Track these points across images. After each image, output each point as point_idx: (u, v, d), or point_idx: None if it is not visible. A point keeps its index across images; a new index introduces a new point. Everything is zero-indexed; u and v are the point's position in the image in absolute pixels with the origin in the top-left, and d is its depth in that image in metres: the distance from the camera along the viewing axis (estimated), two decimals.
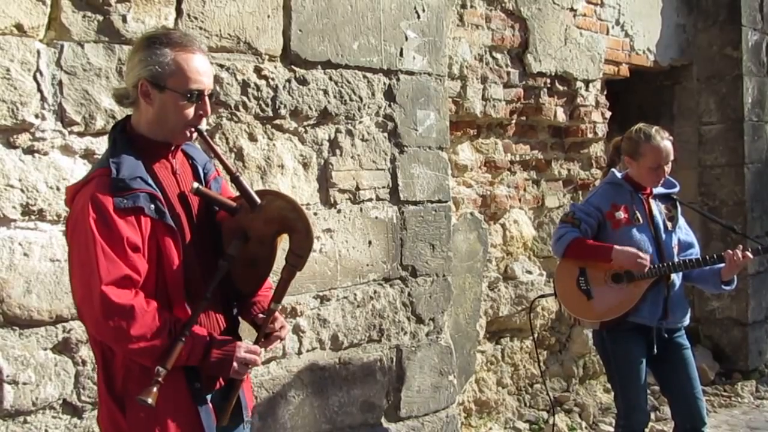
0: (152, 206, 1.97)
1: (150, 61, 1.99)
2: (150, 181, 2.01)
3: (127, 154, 2.01)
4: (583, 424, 4.89)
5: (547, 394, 4.85)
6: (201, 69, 2.03)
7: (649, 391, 3.83)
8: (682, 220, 3.56)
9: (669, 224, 3.47)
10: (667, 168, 3.43)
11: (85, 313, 1.99)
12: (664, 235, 3.43)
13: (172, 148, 2.12)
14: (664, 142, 3.42)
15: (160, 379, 1.91)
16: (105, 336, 2.00)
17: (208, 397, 2.12)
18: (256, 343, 2.17)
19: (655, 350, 3.36)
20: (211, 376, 2.10)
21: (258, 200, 2.09)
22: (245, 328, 2.30)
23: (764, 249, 3.42)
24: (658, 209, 3.46)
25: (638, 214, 3.41)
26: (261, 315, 2.21)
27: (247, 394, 2.30)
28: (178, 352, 1.95)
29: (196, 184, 2.10)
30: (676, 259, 3.41)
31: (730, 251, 3.33)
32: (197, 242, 2.10)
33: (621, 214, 3.40)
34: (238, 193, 2.14)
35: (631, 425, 3.46)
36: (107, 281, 1.89)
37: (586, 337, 5.33)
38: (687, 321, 3.50)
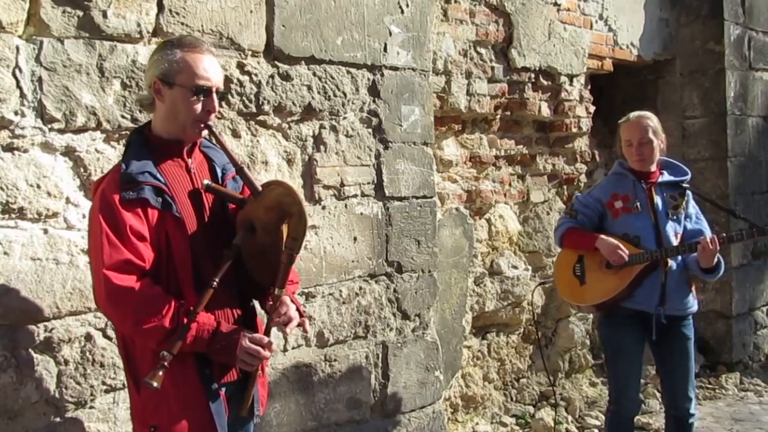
0: (159, 198, 2.10)
1: (161, 60, 2.14)
2: (158, 176, 2.13)
3: (141, 152, 2.15)
4: (569, 418, 4.90)
5: (549, 381, 4.85)
6: (208, 67, 2.16)
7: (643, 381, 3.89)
8: (693, 209, 3.58)
9: (671, 212, 3.49)
10: (646, 147, 3.44)
11: (96, 296, 2.13)
12: (663, 223, 3.45)
13: (186, 147, 2.23)
14: (636, 120, 3.48)
15: (165, 363, 2.00)
16: (110, 317, 2.16)
17: (222, 389, 2.20)
18: (266, 330, 2.24)
19: (654, 336, 3.42)
20: (223, 364, 2.18)
21: (260, 189, 2.19)
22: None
23: (739, 236, 3.43)
24: (661, 197, 3.49)
25: (638, 203, 3.46)
26: (270, 303, 2.29)
27: (261, 389, 2.37)
28: (183, 336, 2.04)
29: (206, 181, 2.22)
30: (664, 247, 3.40)
31: (704, 238, 3.35)
32: (209, 236, 2.20)
33: (619, 204, 3.50)
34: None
35: (619, 411, 3.53)
36: (108, 265, 2.02)
37: (571, 332, 5.35)
38: (693, 309, 3.54)
